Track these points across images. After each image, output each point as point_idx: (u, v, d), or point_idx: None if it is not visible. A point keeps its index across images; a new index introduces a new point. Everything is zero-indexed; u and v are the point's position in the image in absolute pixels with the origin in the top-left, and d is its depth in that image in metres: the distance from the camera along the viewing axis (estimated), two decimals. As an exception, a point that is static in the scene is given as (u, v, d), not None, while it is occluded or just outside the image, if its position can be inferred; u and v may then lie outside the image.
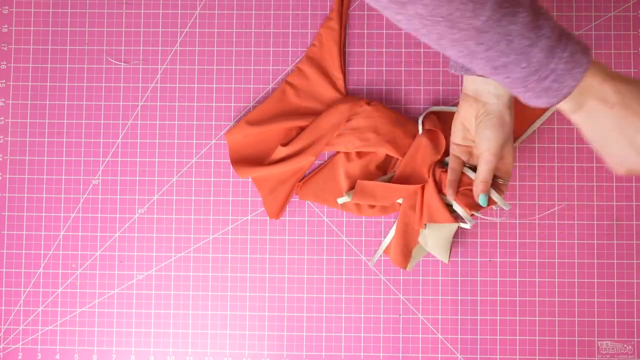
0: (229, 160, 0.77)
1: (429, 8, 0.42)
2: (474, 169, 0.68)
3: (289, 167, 0.75)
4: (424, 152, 0.72)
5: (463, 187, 0.68)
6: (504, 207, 0.67)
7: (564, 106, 0.50)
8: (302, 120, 0.76)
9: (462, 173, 0.69)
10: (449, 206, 0.70)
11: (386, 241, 0.75)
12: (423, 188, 0.72)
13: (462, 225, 0.70)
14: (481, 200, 0.66)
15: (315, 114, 0.76)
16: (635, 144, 0.49)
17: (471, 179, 0.68)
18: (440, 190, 0.70)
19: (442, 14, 0.42)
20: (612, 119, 0.49)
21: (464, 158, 0.69)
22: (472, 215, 0.69)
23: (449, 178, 0.69)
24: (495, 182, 0.67)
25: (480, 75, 0.63)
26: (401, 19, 0.44)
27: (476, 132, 0.65)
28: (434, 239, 0.71)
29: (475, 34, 0.44)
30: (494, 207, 0.68)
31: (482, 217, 0.75)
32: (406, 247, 0.73)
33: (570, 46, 0.46)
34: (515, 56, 0.46)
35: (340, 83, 0.77)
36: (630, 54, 0.77)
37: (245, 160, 0.77)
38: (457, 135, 0.68)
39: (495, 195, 0.66)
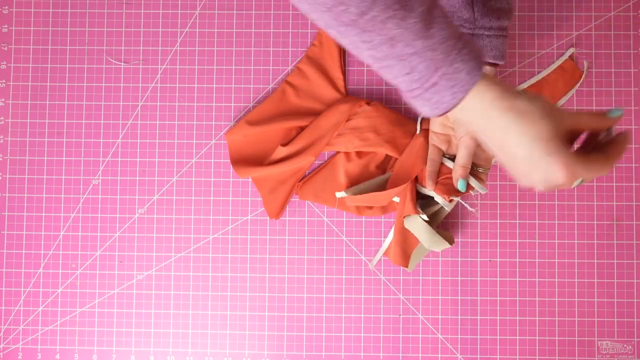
0: (229, 160, 0.77)
1: None
2: (453, 159, 0.69)
3: (289, 167, 0.75)
4: (419, 151, 0.72)
5: (442, 177, 0.69)
6: (481, 191, 0.67)
7: (453, 114, 0.47)
8: (302, 120, 0.76)
9: (442, 163, 0.69)
10: (429, 197, 0.71)
11: (386, 242, 0.75)
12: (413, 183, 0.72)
13: (445, 206, 0.70)
14: (460, 185, 0.65)
15: (315, 114, 0.76)
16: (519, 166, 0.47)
17: (450, 168, 0.69)
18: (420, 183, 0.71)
19: (326, 4, 0.41)
20: (496, 140, 0.47)
21: (443, 147, 0.69)
22: (450, 200, 0.70)
23: (428, 169, 0.69)
24: (475, 172, 0.67)
25: None
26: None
27: (453, 118, 0.65)
28: (417, 231, 0.71)
29: (358, 30, 0.43)
30: (472, 192, 0.69)
31: (462, 202, 0.75)
32: (405, 246, 0.73)
33: (457, 63, 0.44)
34: (398, 62, 0.44)
35: (340, 83, 0.77)
36: (630, 54, 0.77)
37: (245, 160, 0.77)
38: (435, 123, 0.68)
39: (473, 181, 0.67)
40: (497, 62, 0.64)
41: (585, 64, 0.77)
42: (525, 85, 0.76)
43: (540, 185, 0.46)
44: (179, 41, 0.79)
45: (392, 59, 0.44)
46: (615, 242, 0.76)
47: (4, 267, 0.78)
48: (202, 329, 0.77)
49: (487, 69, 0.65)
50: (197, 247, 0.77)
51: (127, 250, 0.78)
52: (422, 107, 0.47)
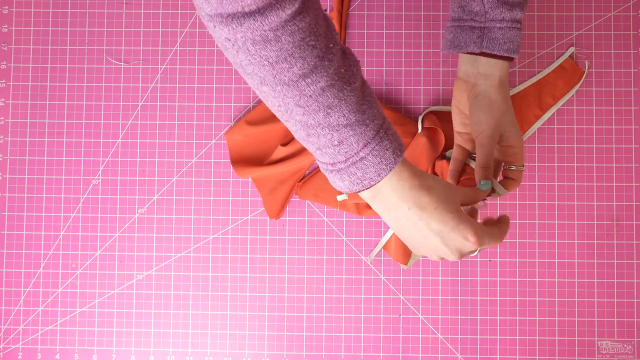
0: (229, 160, 0.77)
1: (257, 47, 0.41)
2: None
3: (289, 167, 0.75)
4: (422, 150, 0.72)
5: (464, 177, 0.67)
6: (501, 193, 0.63)
7: (364, 194, 0.48)
8: None
9: (466, 164, 0.67)
10: None
11: (385, 237, 0.75)
12: None
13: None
14: (482, 186, 0.62)
15: None
16: (427, 246, 0.50)
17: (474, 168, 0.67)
18: None
19: (269, 58, 0.41)
20: (408, 220, 0.49)
21: (468, 147, 0.67)
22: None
23: (450, 168, 0.67)
24: (508, 170, 0.64)
25: (471, 53, 0.62)
26: (229, 46, 0.42)
27: (469, 116, 0.64)
28: None
29: (296, 93, 0.43)
30: (492, 195, 0.64)
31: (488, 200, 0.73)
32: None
33: (385, 141, 0.45)
34: (329, 131, 0.44)
35: None
36: (630, 54, 0.77)
37: (245, 160, 0.77)
38: (456, 122, 0.67)
39: (495, 184, 0.63)
40: (510, 55, 0.61)
41: (587, 63, 0.77)
42: (526, 85, 0.76)
43: (453, 255, 0.50)
44: (179, 41, 0.79)
45: (325, 128, 0.44)
46: (615, 242, 0.76)
47: (4, 267, 0.78)
48: (202, 329, 0.77)
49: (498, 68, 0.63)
50: (197, 247, 0.77)
51: (127, 250, 0.78)
52: (340, 182, 0.47)
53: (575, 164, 0.76)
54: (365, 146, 0.45)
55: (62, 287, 0.78)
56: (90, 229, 0.78)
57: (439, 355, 0.75)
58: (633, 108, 0.77)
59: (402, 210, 0.48)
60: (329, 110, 0.43)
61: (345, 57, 0.45)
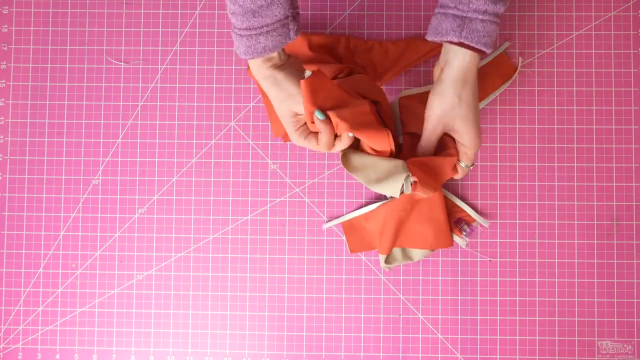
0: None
1: None
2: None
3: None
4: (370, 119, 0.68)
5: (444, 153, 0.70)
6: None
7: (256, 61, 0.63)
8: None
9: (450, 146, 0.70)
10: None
11: (357, 212, 0.75)
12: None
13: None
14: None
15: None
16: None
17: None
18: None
19: None
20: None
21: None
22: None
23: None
24: (457, 164, 0.69)
25: (450, 42, 0.62)
26: None
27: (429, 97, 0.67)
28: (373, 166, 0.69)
29: None
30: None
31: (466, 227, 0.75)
32: (395, 236, 0.73)
33: (260, 37, 0.59)
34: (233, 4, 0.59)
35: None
36: (630, 54, 0.77)
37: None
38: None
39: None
40: (485, 49, 0.61)
41: (520, 60, 0.77)
42: None
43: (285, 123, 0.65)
44: (179, 41, 0.79)
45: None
46: (615, 242, 0.76)
47: (4, 267, 0.78)
48: (202, 329, 0.77)
49: (474, 56, 0.62)
50: (197, 247, 0.77)
51: (127, 250, 0.78)
52: (235, 43, 0.62)
53: (575, 164, 0.76)
54: (246, 29, 0.59)
55: (62, 287, 0.78)
56: (90, 229, 0.78)
57: (439, 355, 0.75)
58: (633, 108, 0.77)
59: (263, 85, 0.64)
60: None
61: None
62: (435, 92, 0.65)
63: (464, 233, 0.75)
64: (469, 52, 0.61)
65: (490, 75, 0.77)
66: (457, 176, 0.71)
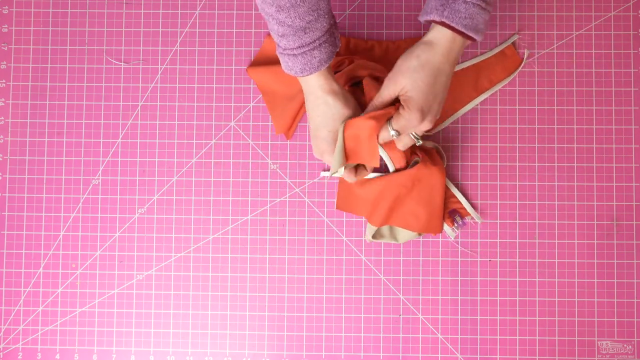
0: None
1: None
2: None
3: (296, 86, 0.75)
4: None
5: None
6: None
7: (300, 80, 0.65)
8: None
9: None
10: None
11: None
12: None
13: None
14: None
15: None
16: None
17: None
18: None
19: None
20: (315, 102, 0.66)
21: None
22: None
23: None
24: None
25: (432, 21, 0.61)
26: None
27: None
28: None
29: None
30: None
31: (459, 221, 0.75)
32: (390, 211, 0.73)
33: (315, 51, 0.61)
34: (279, 26, 0.59)
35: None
36: (630, 54, 0.77)
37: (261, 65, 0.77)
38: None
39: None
40: (468, 33, 0.59)
41: (526, 52, 0.77)
42: (464, 65, 0.76)
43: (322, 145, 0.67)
44: (179, 41, 0.79)
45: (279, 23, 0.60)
46: (615, 242, 0.76)
47: (4, 267, 0.78)
48: (202, 329, 0.77)
49: (457, 38, 0.61)
50: (197, 247, 0.77)
51: (127, 250, 0.78)
52: (283, 62, 0.64)
53: (575, 164, 0.76)
54: (299, 47, 0.60)
55: (62, 287, 0.78)
56: (90, 229, 0.78)
57: (439, 355, 0.75)
58: (633, 108, 0.77)
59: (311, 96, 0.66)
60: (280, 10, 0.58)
61: None
62: (404, 53, 0.63)
63: (456, 224, 0.75)
64: (450, 32, 0.60)
65: (495, 67, 0.77)
66: (399, 145, 0.67)
